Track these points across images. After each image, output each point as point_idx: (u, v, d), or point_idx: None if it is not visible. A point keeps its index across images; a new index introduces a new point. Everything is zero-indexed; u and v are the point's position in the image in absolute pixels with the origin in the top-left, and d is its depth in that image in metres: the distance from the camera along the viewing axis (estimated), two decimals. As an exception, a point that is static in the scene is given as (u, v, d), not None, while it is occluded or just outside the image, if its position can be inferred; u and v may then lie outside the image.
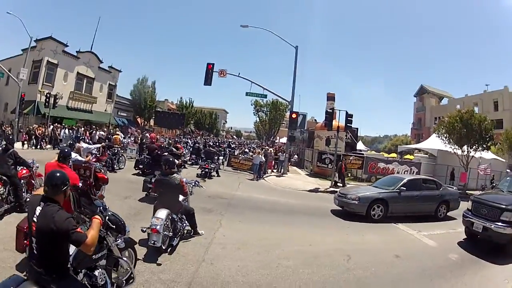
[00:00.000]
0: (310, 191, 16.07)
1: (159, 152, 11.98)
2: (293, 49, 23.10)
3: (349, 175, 19.41)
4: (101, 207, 3.66)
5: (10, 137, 9.10)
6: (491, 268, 6.47)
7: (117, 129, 27.49)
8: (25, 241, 4.03)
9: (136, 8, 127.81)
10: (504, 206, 7.63)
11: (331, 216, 10.47)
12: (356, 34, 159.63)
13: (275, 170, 22.10)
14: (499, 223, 7.42)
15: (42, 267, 2.72)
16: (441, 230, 9.52)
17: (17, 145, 23.18)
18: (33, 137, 21.58)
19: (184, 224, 6.18)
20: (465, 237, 8.55)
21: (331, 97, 19.10)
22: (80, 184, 4.84)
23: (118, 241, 3.75)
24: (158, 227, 5.15)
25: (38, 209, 2.73)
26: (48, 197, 2.80)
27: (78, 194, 3.77)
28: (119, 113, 44.38)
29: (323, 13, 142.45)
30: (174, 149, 14.77)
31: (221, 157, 20.05)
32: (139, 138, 21.89)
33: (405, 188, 10.73)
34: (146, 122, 49.19)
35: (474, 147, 19.46)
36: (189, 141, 32.43)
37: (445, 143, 20.43)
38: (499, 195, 8.87)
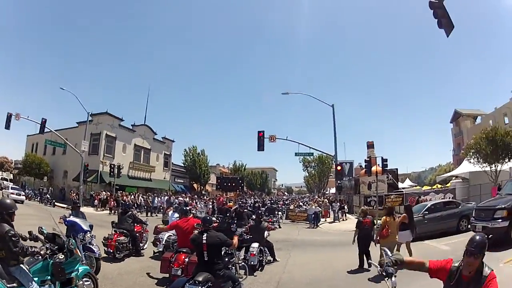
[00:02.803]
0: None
1: (240, 210, 14.77)
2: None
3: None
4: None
5: (127, 203, 12.59)
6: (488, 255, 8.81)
7: (188, 195, 32.57)
8: (170, 264, 6.44)
9: (182, 81, 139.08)
10: (496, 207, 9.67)
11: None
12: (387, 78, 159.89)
13: (328, 219, 24.09)
14: (493, 221, 9.53)
15: (211, 265, 4.83)
16: (458, 239, 11.29)
17: (90, 210, 25.10)
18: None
19: (267, 254, 9.27)
20: None
21: (370, 145, 21.24)
22: None
23: (238, 254, 7.15)
24: (254, 251, 8.38)
25: (204, 236, 4.95)
26: (207, 229, 5.16)
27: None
28: (176, 180, 47.82)
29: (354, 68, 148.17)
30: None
31: (279, 212, 23.67)
32: (211, 202, 25.70)
33: (427, 212, 12.67)
34: (202, 187, 52.16)
35: (501, 161, 19.43)
36: (249, 200, 35.54)
37: (474, 164, 20.70)
38: (497, 199, 10.65)
